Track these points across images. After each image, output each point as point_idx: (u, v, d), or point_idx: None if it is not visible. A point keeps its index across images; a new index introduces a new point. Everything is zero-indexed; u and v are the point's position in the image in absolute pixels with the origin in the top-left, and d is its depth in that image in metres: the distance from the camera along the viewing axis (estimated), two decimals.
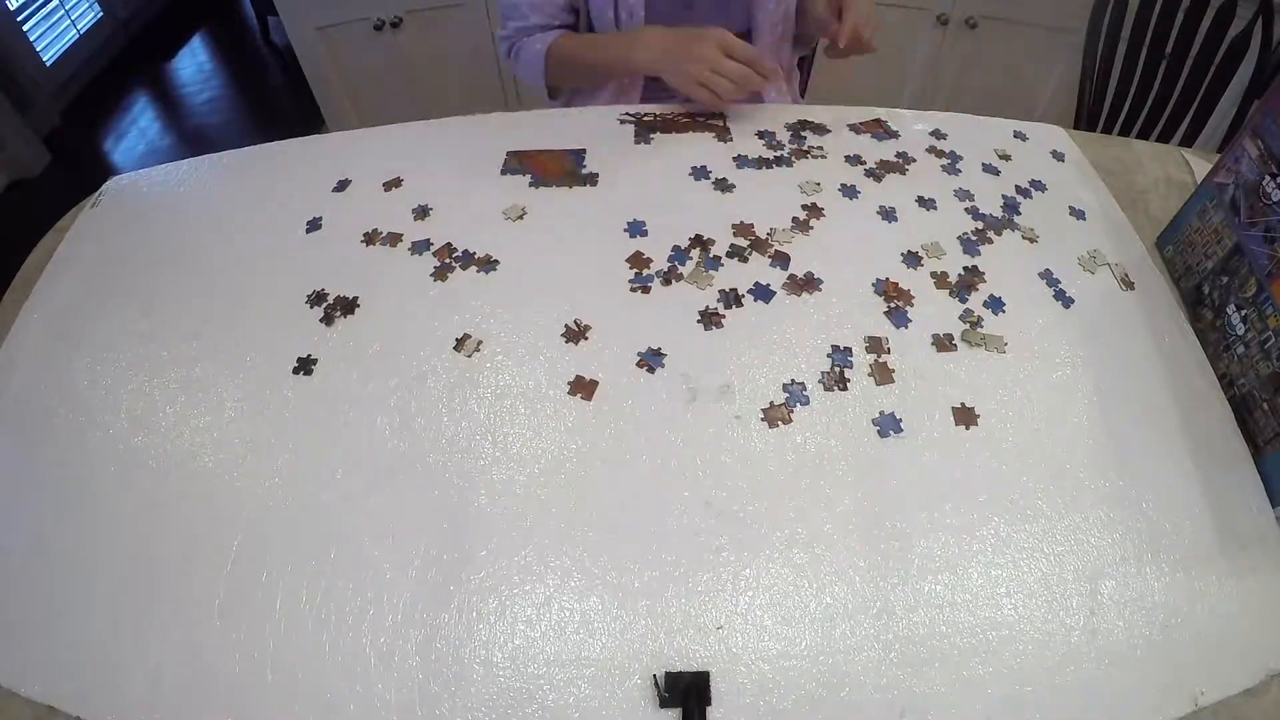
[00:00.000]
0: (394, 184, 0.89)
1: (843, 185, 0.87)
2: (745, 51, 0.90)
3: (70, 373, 0.73)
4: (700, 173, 0.89)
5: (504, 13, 1.08)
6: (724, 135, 0.95)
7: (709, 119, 0.97)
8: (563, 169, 0.90)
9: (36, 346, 0.76)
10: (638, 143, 0.94)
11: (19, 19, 2.49)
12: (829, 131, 0.95)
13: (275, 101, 2.82)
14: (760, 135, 0.94)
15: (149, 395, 0.71)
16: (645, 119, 0.97)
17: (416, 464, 0.64)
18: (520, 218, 0.84)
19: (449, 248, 0.81)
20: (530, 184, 0.89)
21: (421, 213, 0.85)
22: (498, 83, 2.01)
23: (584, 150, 0.93)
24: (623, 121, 0.96)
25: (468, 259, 0.80)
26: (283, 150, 0.97)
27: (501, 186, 0.88)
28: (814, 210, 0.84)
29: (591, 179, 0.89)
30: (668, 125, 0.96)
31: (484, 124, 0.97)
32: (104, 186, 0.95)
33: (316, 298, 0.77)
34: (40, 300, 0.81)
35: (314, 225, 0.85)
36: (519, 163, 0.91)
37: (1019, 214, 0.85)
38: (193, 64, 3.02)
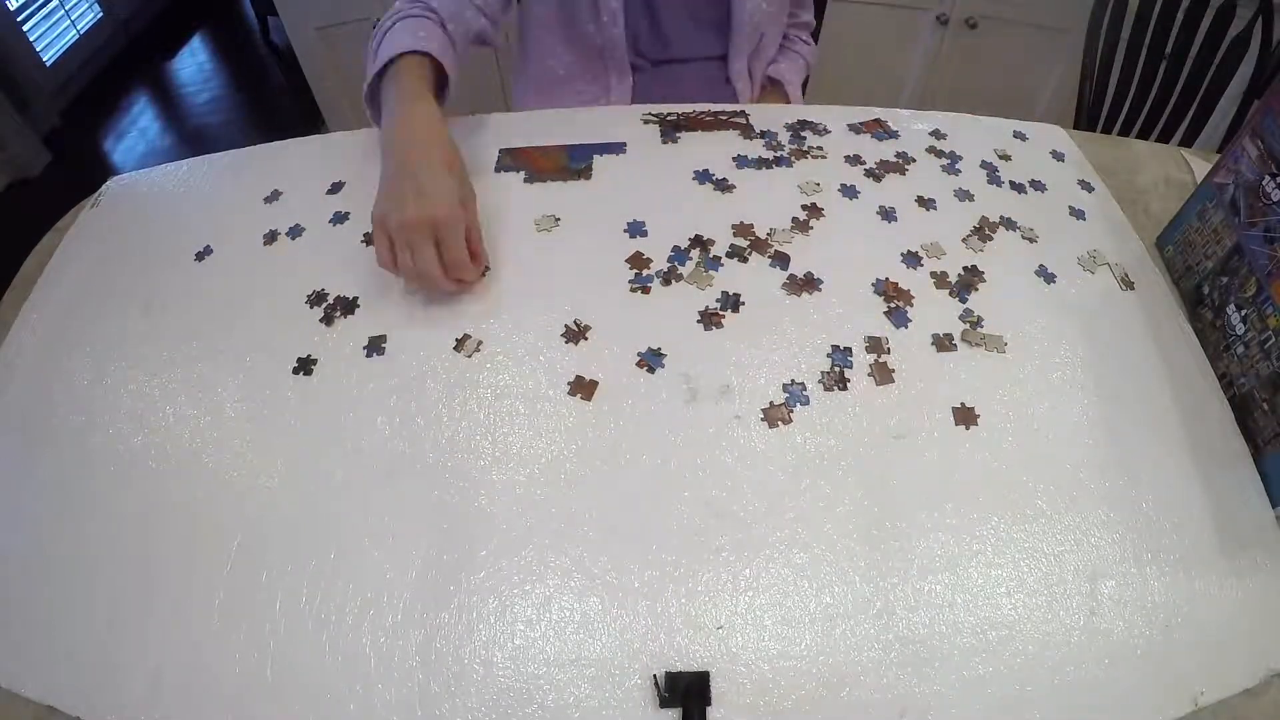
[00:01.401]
0: None
1: (842, 185, 0.87)
2: (454, 253, 0.71)
3: (70, 372, 0.73)
4: (701, 175, 0.88)
5: None
6: (749, 133, 0.94)
7: (732, 116, 0.97)
8: (556, 164, 0.90)
9: (36, 346, 0.76)
10: (665, 142, 0.93)
11: (19, 19, 2.49)
12: (829, 131, 0.95)
13: (275, 102, 2.82)
14: (761, 135, 0.94)
15: (149, 395, 0.71)
16: (669, 118, 0.96)
17: (416, 464, 0.64)
18: (530, 221, 0.84)
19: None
20: (525, 180, 0.89)
21: None
22: (497, 83, 2.01)
23: (578, 145, 0.93)
24: (646, 122, 0.96)
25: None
26: (282, 150, 0.97)
27: (501, 184, 0.88)
28: (814, 210, 0.84)
29: (585, 173, 0.89)
30: (693, 124, 0.96)
31: (483, 124, 0.97)
32: (104, 186, 0.95)
33: (316, 298, 0.77)
34: (40, 300, 0.81)
35: (314, 225, 0.85)
36: (511, 159, 0.91)
37: (1019, 214, 0.85)
38: (193, 64, 3.02)
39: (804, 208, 0.84)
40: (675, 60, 1.10)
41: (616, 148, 0.92)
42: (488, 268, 0.78)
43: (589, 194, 0.86)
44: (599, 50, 1.04)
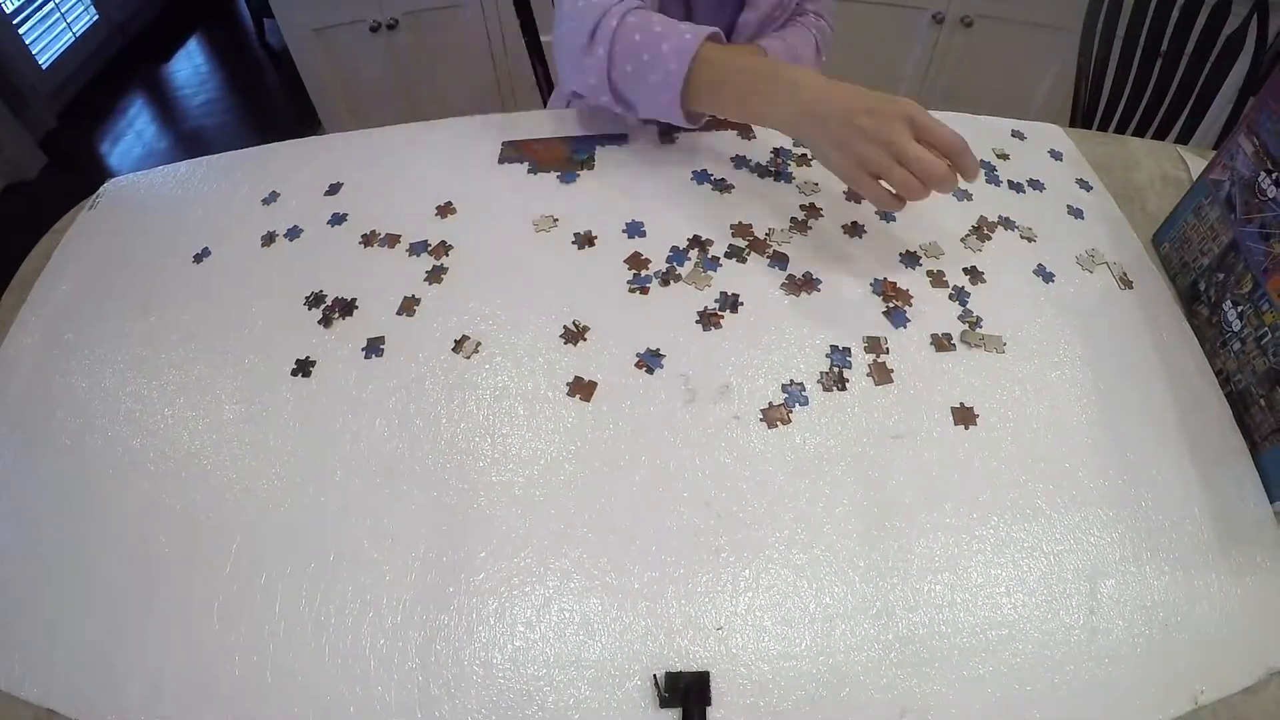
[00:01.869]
0: (391, 185, 0.89)
1: (841, 185, 0.87)
2: (943, 137, 0.67)
3: (68, 375, 0.73)
4: (700, 175, 0.88)
5: None
6: (747, 133, 0.94)
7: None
8: (559, 155, 0.91)
9: (34, 349, 0.76)
10: (663, 142, 0.93)
11: (15, 22, 2.48)
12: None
13: (271, 103, 2.82)
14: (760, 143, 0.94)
15: (147, 397, 0.71)
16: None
17: (415, 465, 0.64)
18: (529, 221, 0.84)
19: (444, 246, 0.81)
20: (528, 170, 0.89)
21: (419, 214, 0.85)
22: (494, 84, 2.01)
23: (581, 136, 0.93)
24: (645, 121, 0.96)
25: (465, 259, 0.80)
26: (279, 152, 0.97)
27: (499, 184, 0.88)
28: (812, 210, 0.84)
29: (588, 163, 0.89)
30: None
31: (482, 125, 0.97)
32: (101, 189, 0.95)
33: (315, 299, 0.77)
34: (38, 302, 0.81)
35: (311, 226, 0.85)
36: (516, 150, 0.92)
37: (1017, 213, 0.85)
38: (189, 66, 3.02)
39: (802, 208, 0.84)
40: None
41: (619, 138, 0.93)
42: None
43: (588, 194, 0.86)
44: None
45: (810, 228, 0.82)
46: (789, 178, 0.88)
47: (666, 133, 0.94)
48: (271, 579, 0.58)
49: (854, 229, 0.83)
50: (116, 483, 0.65)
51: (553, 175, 0.89)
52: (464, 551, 0.60)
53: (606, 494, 0.62)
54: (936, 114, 0.97)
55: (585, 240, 0.81)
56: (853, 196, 0.86)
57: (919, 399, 0.68)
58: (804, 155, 0.91)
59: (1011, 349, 0.72)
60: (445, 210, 0.85)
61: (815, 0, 1.12)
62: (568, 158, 0.90)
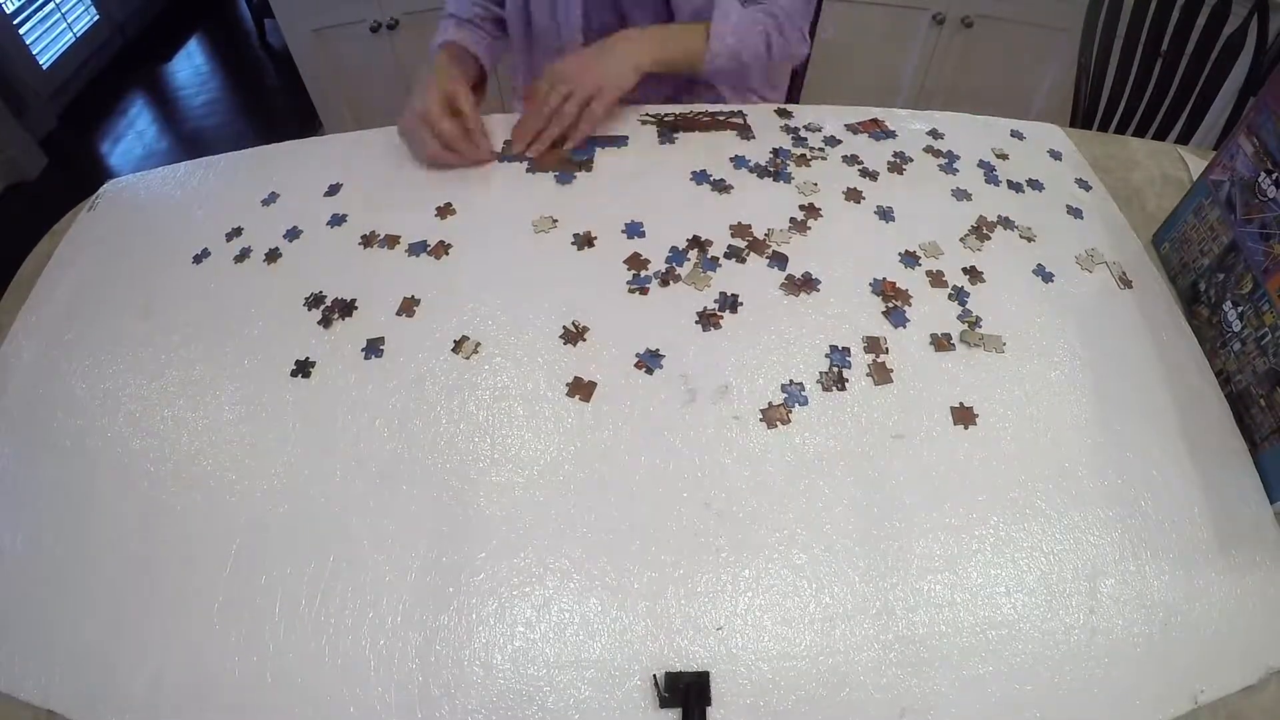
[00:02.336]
0: (391, 186, 0.89)
1: (840, 186, 0.87)
2: (470, 115, 0.89)
3: (68, 376, 0.73)
4: (699, 175, 0.88)
5: None
6: (745, 133, 0.94)
7: (729, 117, 0.97)
8: (558, 157, 0.91)
9: (34, 349, 0.76)
10: (662, 143, 0.93)
11: (15, 22, 2.48)
12: (824, 130, 0.95)
13: (272, 104, 2.82)
14: (758, 142, 0.94)
15: (147, 398, 0.71)
16: (667, 119, 0.96)
17: (415, 466, 0.64)
18: (529, 222, 0.84)
19: (444, 246, 0.81)
20: (526, 170, 0.90)
21: (419, 214, 0.85)
22: (494, 84, 2.01)
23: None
24: (644, 122, 0.96)
25: (465, 260, 0.80)
26: (279, 153, 0.97)
27: (500, 185, 0.88)
28: (811, 210, 0.84)
29: (587, 165, 0.90)
30: (690, 124, 0.96)
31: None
32: (101, 189, 0.95)
33: (314, 300, 0.77)
34: (38, 303, 0.81)
35: (311, 227, 0.85)
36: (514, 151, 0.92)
37: (1016, 213, 0.85)
38: (189, 67, 3.02)
39: (801, 208, 0.84)
40: None
41: (618, 140, 0.93)
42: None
43: (587, 195, 0.86)
44: (559, 51, 1.04)
45: (809, 228, 0.82)
46: (788, 178, 0.88)
47: (664, 133, 0.94)
48: (271, 580, 0.58)
49: (853, 229, 0.83)
50: (116, 483, 0.65)
51: (550, 175, 0.89)
52: (464, 552, 0.60)
53: (606, 494, 0.62)
54: (937, 114, 0.98)
55: (585, 241, 0.81)
56: (852, 196, 0.86)
57: (919, 399, 0.68)
58: (803, 155, 0.91)
59: (1011, 349, 0.72)
60: (445, 210, 0.85)
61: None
62: (567, 159, 0.91)
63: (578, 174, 0.89)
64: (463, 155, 0.89)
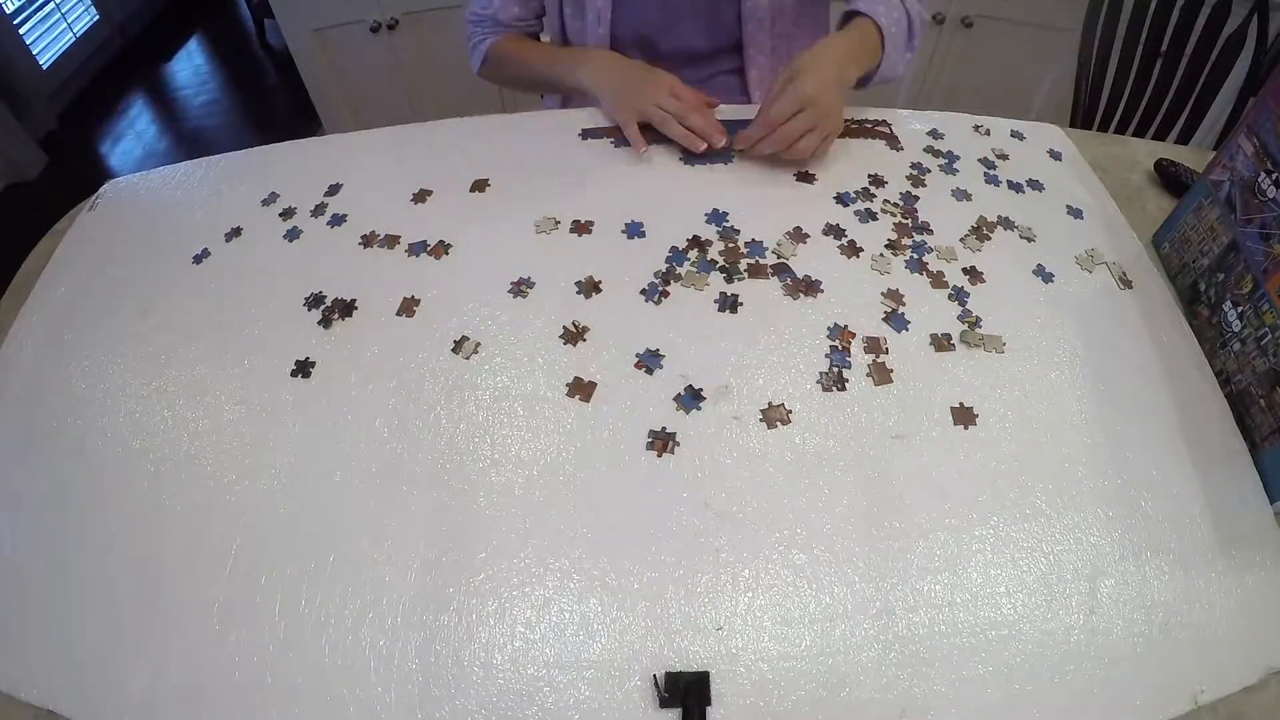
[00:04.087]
0: (390, 186, 0.89)
1: (839, 186, 0.87)
2: (694, 97, 0.90)
3: (68, 376, 0.73)
4: (699, 175, 0.88)
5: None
6: (894, 143, 0.94)
7: (877, 125, 0.96)
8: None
9: (34, 349, 0.76)
10: (659, 144, 0.92)
11: (15, 22, 2.48)
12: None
13: (272, 104, 2.82)
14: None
15: (147, 398, 0.71)
16: None
17: (415, 466, 0.64)
18: (528, 222, 0.84)
19: (444, 246, 0.81)
20: (680, 157, 0.91)
21: (419, 214, 0.85)
22: (494, 84, 2.01)
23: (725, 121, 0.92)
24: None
25: (465, 260, 0.80)
26: (279, 153, 0.97)
27: (500, 185, 0.88)
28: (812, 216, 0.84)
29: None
30: (841, 130, 0.93)
31: (481, 125, 0.97)
32: (101, 189, 0.95)
33: (314, 300, 0.77)
34: (38, 303, 0.81)
35: (311, 227, 0.85)
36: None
37: (1016, 213, 0.85)
38: (189, 66, 3.02)
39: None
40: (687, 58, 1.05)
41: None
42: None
43: (588, 196, 0.86)
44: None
45: (809, 235, 0.82)
46: (788, 176, 0.88)
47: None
48: (271, 580, 0.58)
49: (853, 229, 0.82)
50: (116, 483, 0.65)
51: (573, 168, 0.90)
52: (464, 552, 0.60)
53: (606, 494, 0.63)
54: (937, 114, 0.98)
55: (585, 240, 0.81)
56: (850, 198, 0.86)
57: (919, 399, 0.68)
58: (807, 172, 0.91)
59: (1011, 349, 0.72)
60: (445, 211, 0.85)
61: None
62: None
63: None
64: (710, 143, 0.89)
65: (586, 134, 0.94)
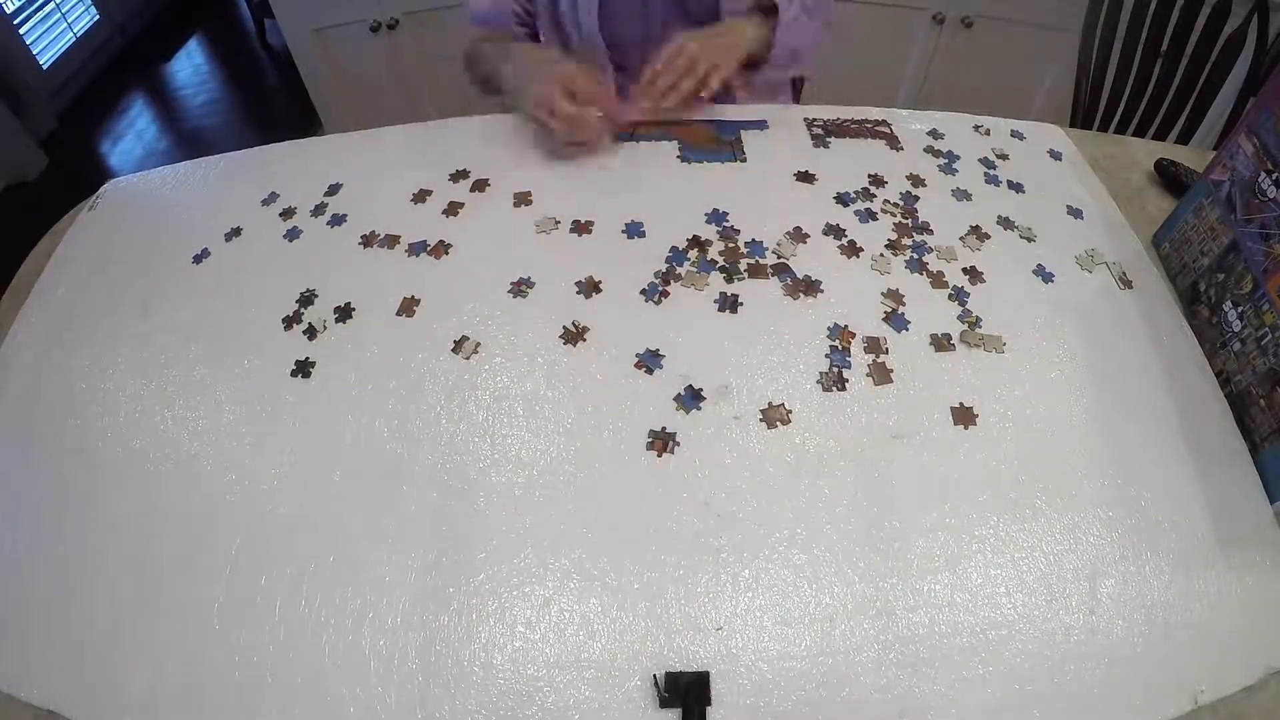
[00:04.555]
0: (390, 186, 0.89)
1: (839, 186, 0.87)
2: (586, 93, 0.88)
3: (68, 376, 0.73)
4: (699, 174, 0.88)
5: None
6: (894, 143, 0.94)
7: (877, 125, 0.97)
8: (708, 134, 0.94)
9: (34, 349, 0.76)
10: (816, 146, 0.93)
11: (15, 22, 2.48)
12: (826, 132, 0.95)
13: (272, 104, 2.81)
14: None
15: (147, 398, 0.71)
16: (816, 123, 0.97)
17: (415, 466, 0.64)
18: (529, 222, 0.84)
19: (444, 246, 0.81)
20: (678, 156, 0.91)
21: (418, 215, 0.85)
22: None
23: (724, 121, 0.96)
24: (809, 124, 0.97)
25: (465, 260, 0.80)
26: (279, 153, 0.97)
27: (500, 185, 0.88)
28: (813, 218, 0.84)
29: (737, 144, 0.93)
30: (841, 130, 0.96)
31: (481, 126, 0.97)
32: (101, 189, 0.95)
33: (314, 300, 0.77)
34: (38, 303, 0.81)
35: (311, 227, 0.85)
36: (662, 130, 0.95)
37: (1016, 213, 0.85)
38: (189, 66, 3.02)
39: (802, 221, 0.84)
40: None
41: (760, 124, 0.96)
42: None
43: (589, 196, 0.86)
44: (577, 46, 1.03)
45: (808, 233, 0.82)
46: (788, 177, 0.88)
47: (843, 138, 0.95)
48: (271, 580, 0.58)
49: (852, 230, 0.82)
50: (116, 483, 0.65)
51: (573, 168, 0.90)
52: (464, 552, 0.60)
53: (606, 495, 0.62)
54: (937, 114, 0.99)
55: (585, 240, 0.81)
56: (849, 199, 0.86)
57: (919, 399, 0.68)
58: (807, 172, 0.91)
59: (1011, 349, 0.72)
60: (445, 211, 0.85)
61: None
62: (714, 138, 0.93)
63: (734, 155, 0.91)
64: (587, 139, 0.89)
65: None
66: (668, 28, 1.00)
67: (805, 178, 0.88)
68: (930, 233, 0.82)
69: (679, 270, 0.78)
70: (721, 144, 0.92)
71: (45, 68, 2.60)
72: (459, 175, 0.89)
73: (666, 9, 1.01)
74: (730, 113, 0.96)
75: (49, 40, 2.64)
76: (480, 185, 0.88)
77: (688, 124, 0.95)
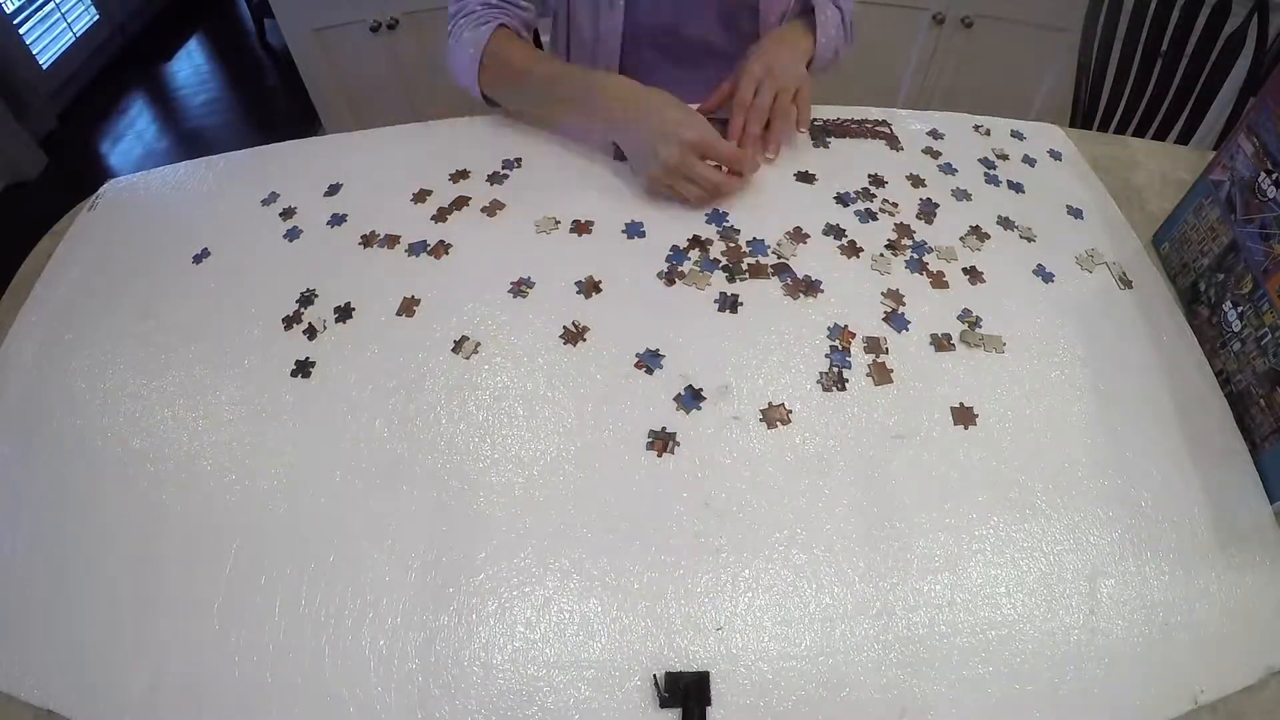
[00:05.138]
0: (390, 186, 0.89)
1: (839, 186, 0.87)
2: (723, 154, 0.81)
3: (68, 375, 0.73)
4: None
5: None
6: (894, 143, 0.94)
7: (877, 125, 0.96)
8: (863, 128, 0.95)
9: (34, 349, 0.76)
10: (816, 146, 0.93)
11: (15, 22, 2.48)
12: (826, 132, 0.95)
13: (272, 103, 2.82)
14: None
15: (147, 398, 0.71)
16: (814, 123, 0.96)
17: (415, 466, 0.64)
18: (528, 222, 0.84)
19: (444, 246, 0.81)
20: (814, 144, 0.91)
21: (418, 215, 0.85)
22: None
23: None
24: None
25: (465, 260, 0.80)
26: (279, 153, 0.97)
27: (499, 185, 0.88)
28: (812, 219, 0.84)
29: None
30: (841, 130, 0.96)
31: (481, 126, 0.97)
32: (101, 189, 0.95)
33: (314, 300, 0.77)
34: (38, 303, 0.81)
35: (311, 227, 0.85)
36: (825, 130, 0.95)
37: (1016, 213, 0.85)
38: (189, 66, 3.02)
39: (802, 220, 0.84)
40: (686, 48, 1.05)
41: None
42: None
43: (589, 195, 0.86)
44: (590, 43, 1.02)
45: (808, 233, 0.82)
46: (788, 177, 0.88)
47: (842, 138, 0.95)
48: (271, 580, 0.58)
49: (853, 230, 0.82)
50: (116, 483, 0.65)
51: (573, 167, 0.89)
52: (464, 552, 0.60)
53: (606, 494, 0.62)
54: (937, 114, 0.98)
55: (585, 240, 0.81)
56: (849, 199, 0.86)
57: (919, 399, 0.68)
58: (807, 172, 0.91)
59: (1011, 349, 0.72)
60: (445, 210, 0.85)
61: None
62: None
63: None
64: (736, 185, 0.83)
65: None
66: (700, 12, 0.99)
67: (805, 178, 0.88)
68: (930, 233, 0.82)
69: (681, 269, 0.78)
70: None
71: (45, 67, 2.60)
72: (459, 175, 0.89)
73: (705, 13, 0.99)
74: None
75: (49, 40, 2.64)
76: (479, 185, 0.88)
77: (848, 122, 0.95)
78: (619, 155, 0.88)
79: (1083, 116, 1.38)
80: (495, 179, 0.89)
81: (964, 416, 0.67)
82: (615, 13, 0.98)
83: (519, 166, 0.90)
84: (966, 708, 0.53)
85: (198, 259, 0.83)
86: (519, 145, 0.93)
